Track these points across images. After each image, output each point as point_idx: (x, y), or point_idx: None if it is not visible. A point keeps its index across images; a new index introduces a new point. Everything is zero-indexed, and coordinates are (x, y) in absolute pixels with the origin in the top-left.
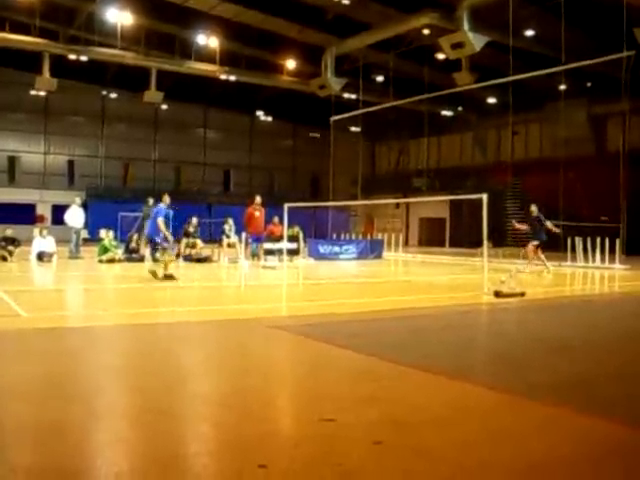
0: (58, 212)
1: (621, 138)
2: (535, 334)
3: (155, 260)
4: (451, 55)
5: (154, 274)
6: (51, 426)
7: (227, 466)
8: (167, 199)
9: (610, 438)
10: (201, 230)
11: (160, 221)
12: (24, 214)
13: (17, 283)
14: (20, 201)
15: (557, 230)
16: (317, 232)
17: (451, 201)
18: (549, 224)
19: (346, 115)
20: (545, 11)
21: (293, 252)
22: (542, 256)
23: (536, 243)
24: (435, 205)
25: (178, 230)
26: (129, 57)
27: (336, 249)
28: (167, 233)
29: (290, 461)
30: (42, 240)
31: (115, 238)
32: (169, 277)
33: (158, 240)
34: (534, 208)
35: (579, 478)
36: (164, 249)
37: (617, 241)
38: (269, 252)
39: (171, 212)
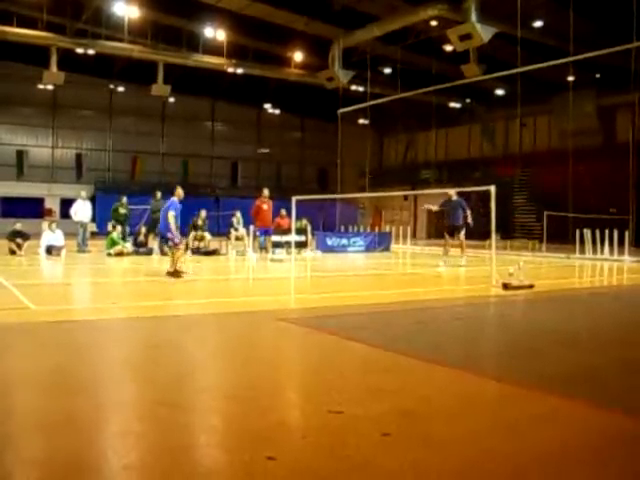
0: (66, 206)
1: (630, 129)
2: (543, 326)
3: (164, 254)
4: (459, 47)
5: (173, 274)
6: (60, 419)
7: (236, 458)
8: (181, 192)
9: (617, 429)
10: (209, 223)
11: (171, 215)
12: (32, 208)
13: (26, 276)
14: (28, 195)
15: (469, 221)
16: (325, 225)
17: (459, 193)
18: (468, 212)
19: (354, 107)
20: (553, 1)
21: (301, 245)
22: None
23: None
24: (443, 197)
25: (187, 223)
26: (136, 50)
27: (344, 242)
28: (175, 227)
29: (299, 453)
30: (51, 234)
31: (123, 231)
32: (177, 274)
33: (170, 236)
34: (452, 192)
35: (585, 469)
36: (175, 245)
37: (626, 233)
38: (277, 245)
39: (180, 206)
